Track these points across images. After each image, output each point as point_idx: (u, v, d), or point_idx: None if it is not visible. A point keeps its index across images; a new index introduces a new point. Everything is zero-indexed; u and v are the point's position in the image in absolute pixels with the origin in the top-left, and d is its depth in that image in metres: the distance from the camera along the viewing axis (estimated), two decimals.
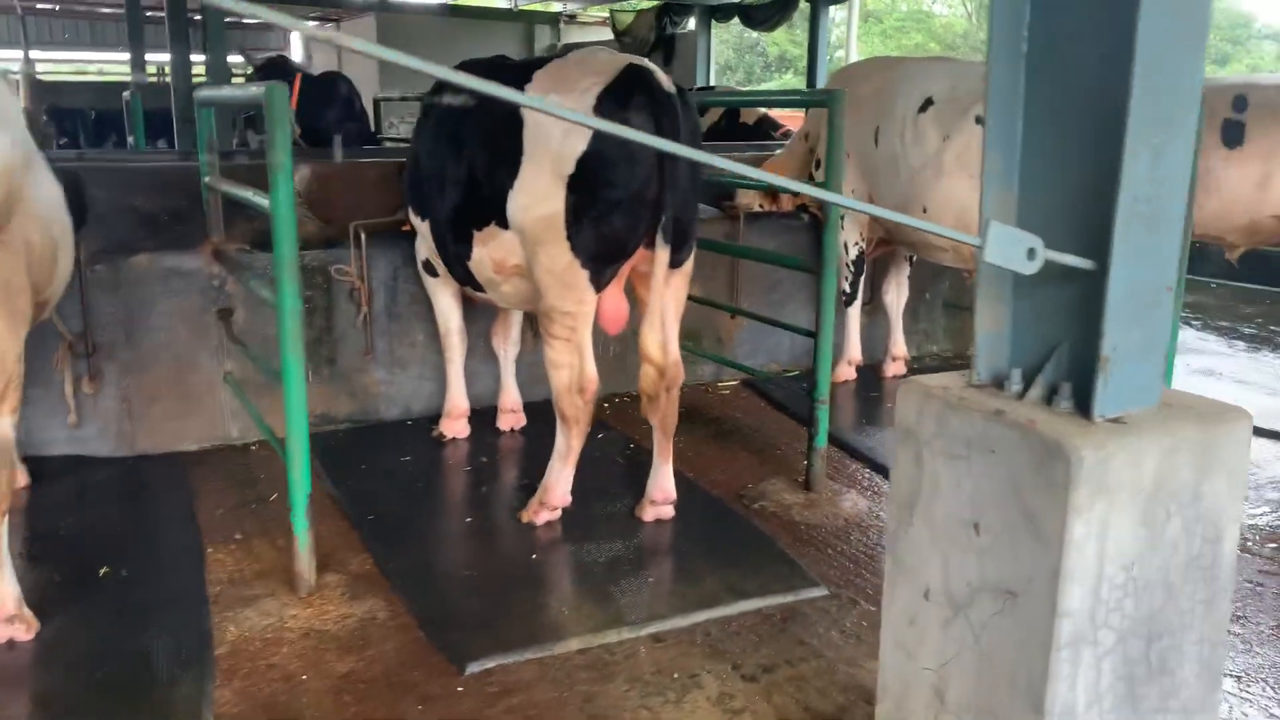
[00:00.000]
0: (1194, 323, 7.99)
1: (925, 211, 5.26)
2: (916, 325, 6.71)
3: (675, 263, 3.94)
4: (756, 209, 6.32)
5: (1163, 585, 2.04)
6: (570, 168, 3.73)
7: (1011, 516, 2.02)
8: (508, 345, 5.04)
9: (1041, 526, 1.95)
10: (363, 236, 4.84)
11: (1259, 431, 5.42)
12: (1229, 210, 6.10)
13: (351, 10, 21.69)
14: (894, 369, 6.20)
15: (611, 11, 20.30)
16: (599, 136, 3.71)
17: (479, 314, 5.02)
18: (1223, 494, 2.07)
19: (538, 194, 3.82)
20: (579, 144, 3.71)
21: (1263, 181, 5.95)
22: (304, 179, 5.32)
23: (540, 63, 4.05)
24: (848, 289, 5.91)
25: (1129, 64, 1.84)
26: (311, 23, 24.69)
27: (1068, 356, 2.07)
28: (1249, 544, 4.16)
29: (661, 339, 3.94)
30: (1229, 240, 6.31)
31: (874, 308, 6.32)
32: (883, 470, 4.76)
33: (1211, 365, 6.71)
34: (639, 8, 19.02)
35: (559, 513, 4.07)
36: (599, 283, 3.88)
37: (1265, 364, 6.73)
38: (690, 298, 5.62)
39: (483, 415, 5.11)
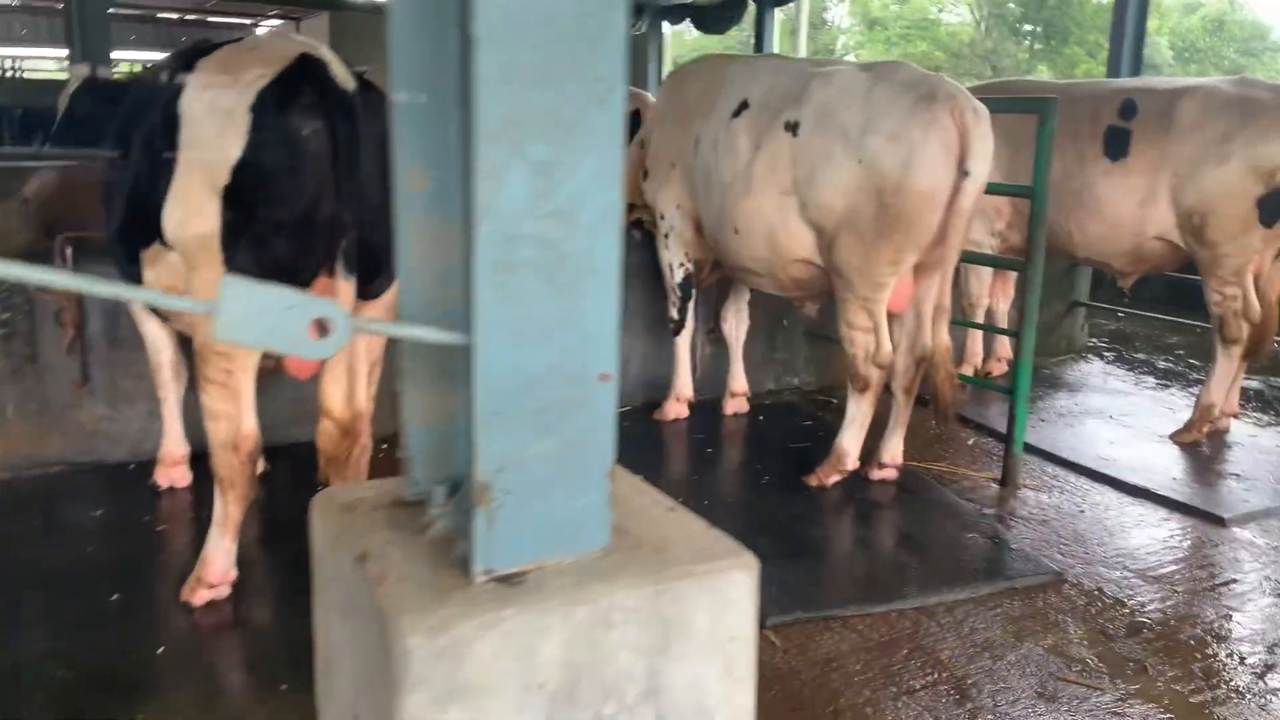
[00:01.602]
0: (1106, 354, 7.27)
1: (736, 232, 4.57)
2: (774, 355, 6.02)
3: (368, 294, 3.29)
4: None
5: None
6: (225, 177, 3.08)
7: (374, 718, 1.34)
8: None
9: None
10: (68, 251, 4.18)
11: (1124, 487, 4.71)
12: (1112, 233, 5.40)
13: (308, 9, 21.10)
14: (734, 406, 5.51)
15: None
16: (257, 141, 3.07)
17: None
18: (709, 682, 1.39)
19: (191, 207, 3.17)
20: (233, 149, 3.06)
21: (1146, 198, 5.24)
22: (43, 184, 4.69)
23: (218, 48, 3.40)
24: (676, 316, 5.22)
25: (467, 27, 1.16)
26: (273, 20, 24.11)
27: None
28: (1068, 642, 3.45)
29: (347, 389, 3.30)
30: (1115, 266, 5.61)
31: (715, 338, 5.63)
32: None
33: (1104, 405, 5.98)
34: None
35: (224, 590, 3.39)
36: None
37: (1167, 404, 6.01)
38: None
39: None
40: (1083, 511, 4.49)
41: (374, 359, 3.42)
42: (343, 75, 3.17)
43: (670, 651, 1.34)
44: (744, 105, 4.55)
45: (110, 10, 22.94)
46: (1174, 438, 5.34)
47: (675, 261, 5.08)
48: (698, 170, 4.75)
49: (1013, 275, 6.36)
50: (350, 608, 1.38)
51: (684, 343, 5.27)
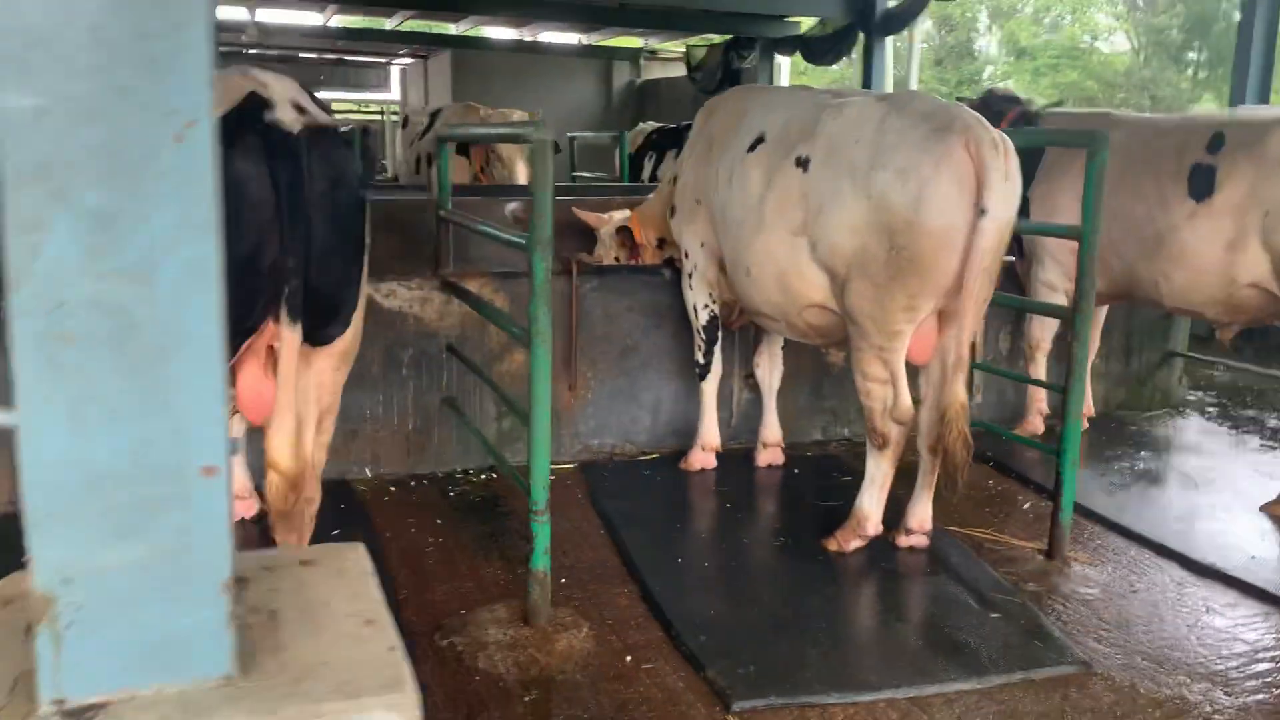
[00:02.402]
0: (1209, 409, 6.58)
1: (749, 274, 4.27)
2: (822, 403, 5.66)
3: (318, 340, 3.15)
4: (613, 261, 5.45)
5: None
6: None
7: None
8: None
9: None
10: None
11: (1192, 565, 4.18)
12: (1200, 280, 4.84)
13: (436, 47, 21.73)
14: (767, 457, 5.17)
15: (688, 46, 19.69)
16: None
17: None
18: None
19: None
20: None
21: (1235, 241, 4.68)
22: None
23: None
24: (701, 360, 4.94)
25: None
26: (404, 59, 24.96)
27: None
28: None
29: (293, 440, 3.14)
30: (1209, 317, 5.04)
31: (752, 384, 5.31)
32: (656, 607, 3.78)
33: (1192, 468, 5.37)
34: (712, 42, 18.32)
35: None
36: None
37: (1268, 470, 5.34)
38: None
39: None
40: (1135, 591, 3.98)
41: (324, 406, 3.27)
42: (290, 117, 3.04)
43: None
44: (760, 139, 4.27)
45: (254, 50, 24.13)
46: (1266, 509, 4.73)
47: (700, 303, 4.81)
48: (718, 207, 4.48)
49: (1097, 324, 5.82)
50: None
51: (710, 389, 4.98)
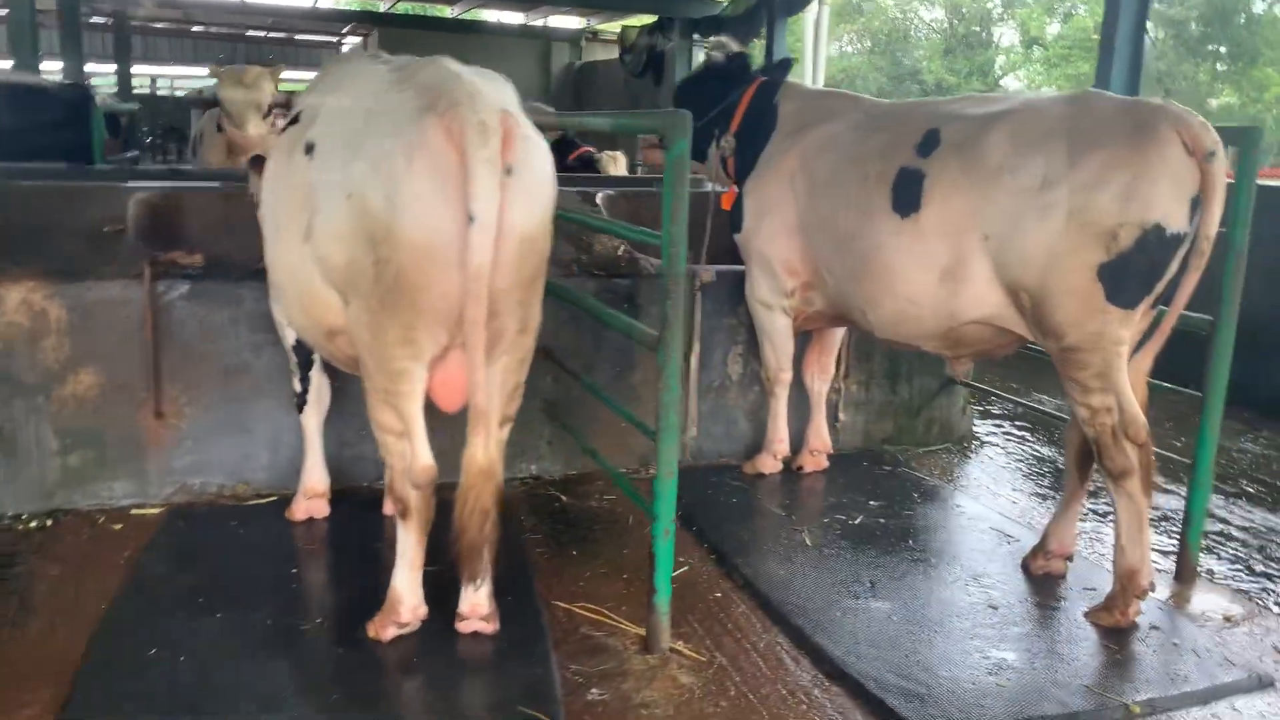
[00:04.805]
0: (999, 445, 5.67)
1: (276, 288, 3.42)
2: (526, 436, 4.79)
3: None
4: None
5: None
6: None
7: None
8: None
9: None
10: None
11: (825, 663, 3.30)
12: (911, 312, 3.92)
13: (369, 24, 20.87)
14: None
15: (623, 28, 18.85)
16: None
17: None
18: None
19: None
20: None
21: (950, 270, 3.74)
22: None
23: None
24: (297, 388, 4.08)
25: None
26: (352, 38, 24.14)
27: None
28: None
29: None
30: (930, 350, 4.14)
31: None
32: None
33: (921, 525, 4.46)
34: (643, 24, 17.50)
35: None
36: None
37: (1017, 527, 4.44)
38: None
39: None
40: (720, 707, 3.11)
41: None
42: None
43: None
44: (296, 118, 3.42)
45: (199, 28, 23.32)
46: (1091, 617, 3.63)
47: (284, 319, 3.95)
48: None
49: (832, 346, 4.95)
50: None
51: (311, 422, 4.13)
